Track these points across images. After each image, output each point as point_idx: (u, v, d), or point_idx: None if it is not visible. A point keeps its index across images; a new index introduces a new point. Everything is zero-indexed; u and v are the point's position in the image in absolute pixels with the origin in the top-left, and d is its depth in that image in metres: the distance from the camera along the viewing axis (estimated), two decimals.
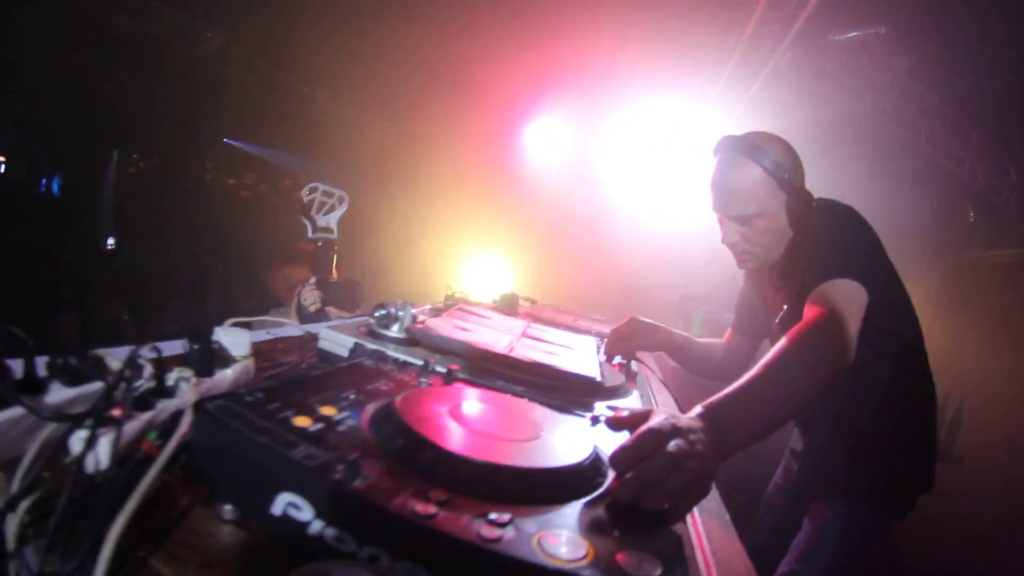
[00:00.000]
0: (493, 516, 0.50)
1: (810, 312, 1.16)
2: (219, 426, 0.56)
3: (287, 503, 0.51)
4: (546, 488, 0.58)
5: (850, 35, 3.95)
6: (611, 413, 0.90)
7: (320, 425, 0.61)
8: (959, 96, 4.15)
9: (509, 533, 0.49)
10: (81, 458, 0.51)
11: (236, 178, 10.28)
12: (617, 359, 1.58)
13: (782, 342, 1.01)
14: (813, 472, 1.63)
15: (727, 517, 0.86)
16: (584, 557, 0.48)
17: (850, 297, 1.17)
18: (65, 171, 9.89)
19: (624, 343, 1.73)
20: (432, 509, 0.49)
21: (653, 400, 1.36)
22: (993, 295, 4.37)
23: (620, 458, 0.65)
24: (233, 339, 0.92)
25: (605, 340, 1.74)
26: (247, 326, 1.03)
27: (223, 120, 8.43)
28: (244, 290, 6.84)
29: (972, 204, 4.57)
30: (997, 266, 4.57)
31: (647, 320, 1.79)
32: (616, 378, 1.28)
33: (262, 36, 5.72)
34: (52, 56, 6.78)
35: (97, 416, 0.55)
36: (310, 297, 1.94)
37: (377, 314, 1.15)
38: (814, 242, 1.33)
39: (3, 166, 10.28)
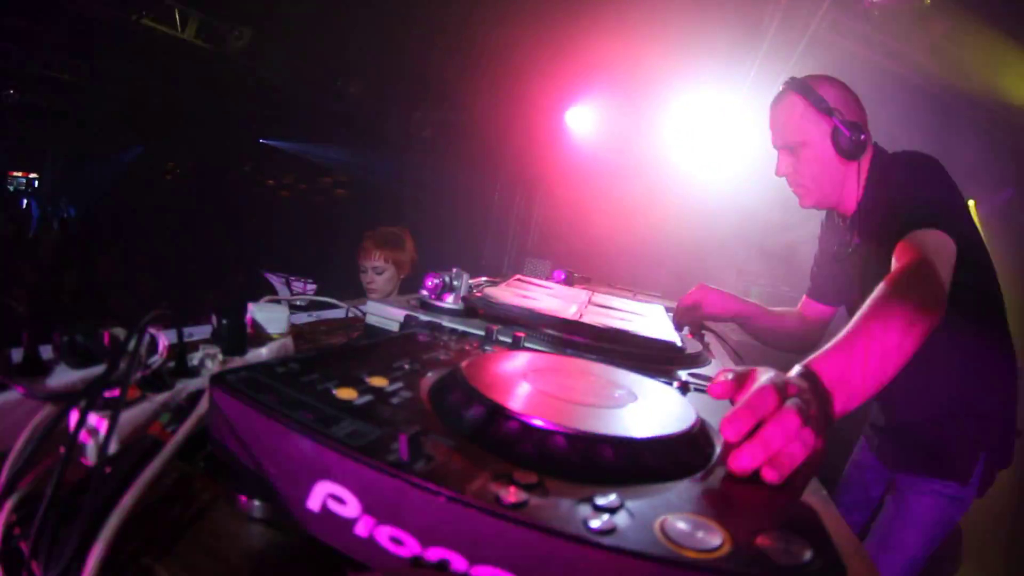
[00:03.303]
0: (601, 501, 0.38)
1: (901, 260, 1.08)
2: (243, 401, 0.45)
3: (327, 495, 0.40)
4: (657, 462, 0.46)
5: None
6: (695, 381, 0.80)
7: (369, 397, 0.50)
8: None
9: (623, 520, 0.37)
10: (72, 445, 0.42)
11: (275, 178, 10.31)
12: (686, 329, 1.45)
13: (876, 292, 0.92)
14: (896, 448, 1.55)
15: (824, 492, 0.75)
16: (721, 544, 0.36)
17: (940, 248, 1.11)
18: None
19: (694, 312, 1.61)
20: (522, 496, 0.37)
21: None
22: None
23: (737, 421, 0.53)
24: (269, 315, 0.84)
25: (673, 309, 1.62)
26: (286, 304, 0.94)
27: (257, 119, 8.50)
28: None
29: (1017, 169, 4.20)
30: None
31: (717, 288, 1.67)
32: (694, 345, 1.15)
33: (289, 30, 5.67)
34: (80, 64, 6.96)
35: (92, 396, 0.45)
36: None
37: (431, 283, 1.04)
38: (898, 192, 1.29)
39: (36, 182, 10.88)
